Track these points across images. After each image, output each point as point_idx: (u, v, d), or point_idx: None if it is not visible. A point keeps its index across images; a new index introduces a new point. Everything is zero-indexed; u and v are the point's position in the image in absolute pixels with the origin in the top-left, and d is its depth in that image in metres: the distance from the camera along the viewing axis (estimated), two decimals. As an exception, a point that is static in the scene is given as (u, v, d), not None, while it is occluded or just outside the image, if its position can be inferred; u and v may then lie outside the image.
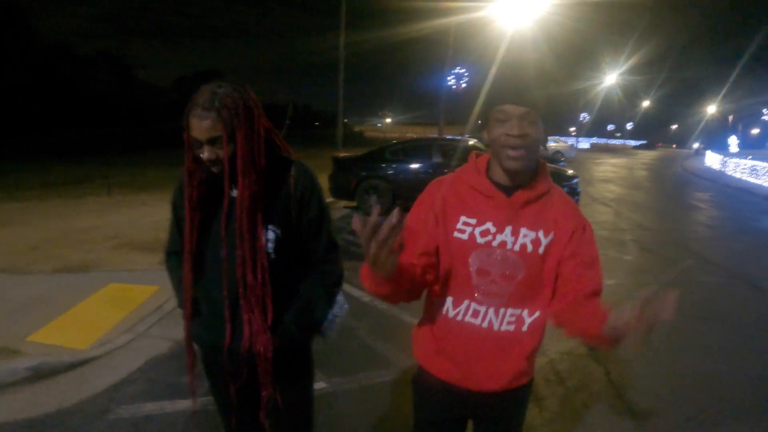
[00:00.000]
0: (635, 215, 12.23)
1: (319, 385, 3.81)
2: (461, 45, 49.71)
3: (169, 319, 4.89)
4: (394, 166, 11.38)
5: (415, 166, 11.41)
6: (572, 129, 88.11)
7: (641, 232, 10.03)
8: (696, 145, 73.52)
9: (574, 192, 10.37)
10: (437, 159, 11.38)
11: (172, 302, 5.13)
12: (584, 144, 72.24)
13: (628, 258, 7.79)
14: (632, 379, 4.07)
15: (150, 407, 3.48)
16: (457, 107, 66.40)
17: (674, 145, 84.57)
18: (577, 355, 4.45)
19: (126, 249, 7.10)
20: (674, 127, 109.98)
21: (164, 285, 5.68)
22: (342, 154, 12.24)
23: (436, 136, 19.85)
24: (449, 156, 11.51)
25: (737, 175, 26.56)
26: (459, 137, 15.25)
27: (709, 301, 6.00)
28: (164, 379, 3.86)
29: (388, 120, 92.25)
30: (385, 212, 1.13)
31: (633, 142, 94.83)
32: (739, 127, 69.78)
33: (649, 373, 4.19)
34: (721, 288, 6.57)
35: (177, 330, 4.54)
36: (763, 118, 45.91)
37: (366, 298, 5.68)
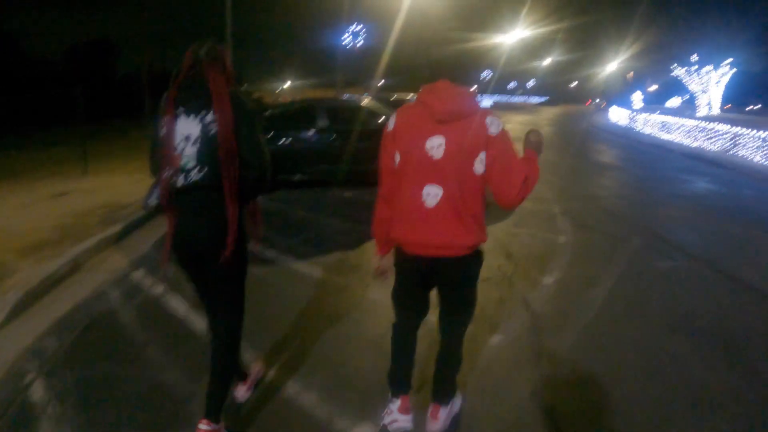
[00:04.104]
0: (555, 178, 11.13)
1: None
2: (357, 1, 47.88)
3: None
4: (271, 134, 9.48)
5: (296, 133, 9.64)
6: (474, 87, 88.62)
7: (568, 201, 8.84)
8: (596, 101, 75.96)
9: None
10: (323, 123, 9.66)
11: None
12: (487, 102, 72.69)
13: (563, 240, 6.47)
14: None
15: None
16: (356, 66, 64.56)
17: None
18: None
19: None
20: (574, 84, 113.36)
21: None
22: None
23: (321, 97, 17.58)
24: (337, 119, 9.80)
25: (647, 131, 26.69)
26: (351, 96, 13.50)
27: (676, 299, 4.76)
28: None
29: (288, 84, 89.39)
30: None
31: (536, 99, 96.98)
32: (648, 83, 72.26)
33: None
34: (684, 277, 5.37)
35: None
36: (673, 74, 46.67)
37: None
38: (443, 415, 2.80)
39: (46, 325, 4.26)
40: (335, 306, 4.54)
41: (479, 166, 2.32)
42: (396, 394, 2.85)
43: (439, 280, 2.57)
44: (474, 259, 2.50)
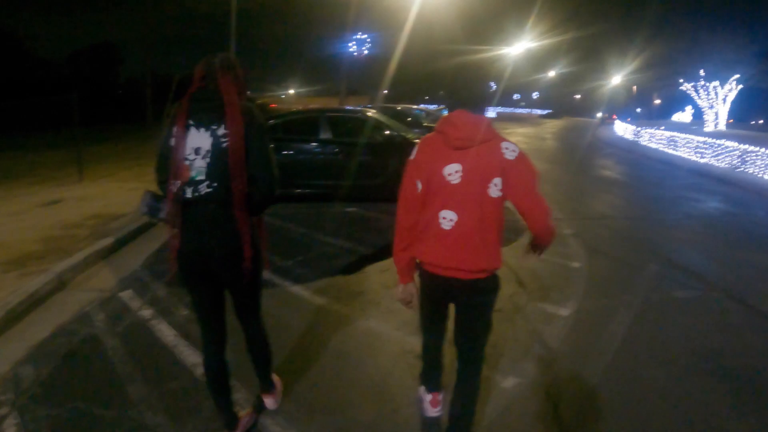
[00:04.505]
0: (563, 197, 10.82)
1: None
2: (364, 10, 47.60)
3: None
4: (272, 146, 8.96)
5: (298, 144, 9.23)
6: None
7: (579, 221, 8.49)
8: (600, 115, 75.50)
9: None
10: (326, 135, 9.25)
11: None
12: (491, 113, 72.46)
13: (577, 265, 6.12)
14: None
15: None
16: (361, 76, 64.42)
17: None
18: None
19: None
20: (578, 96, 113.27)
21: None
22: None
23: (324, 107, 16.93)
24: (342, 131, 9.40)
25: (653, 146, 26.38)
26: (357, 108, 13.08)
27: (699, 335, 4.43)
28: None
29: (292, 91, 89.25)
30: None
31: (539, 111, 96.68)
32: (654, 97, 72.00)
33: None
34: (705, 309, 5.03)
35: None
36: (681, 88, 46.07)
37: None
38: None
39: (25, 350, 3.98)
40: (334, 340, 4.19)
41: (494, 190, 2.37)
42: (428, 390, 3.12)
43: (453, 300, 2.66)
44: (487, 284, 2.54)
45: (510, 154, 2.36)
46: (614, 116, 66.00)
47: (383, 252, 6.36)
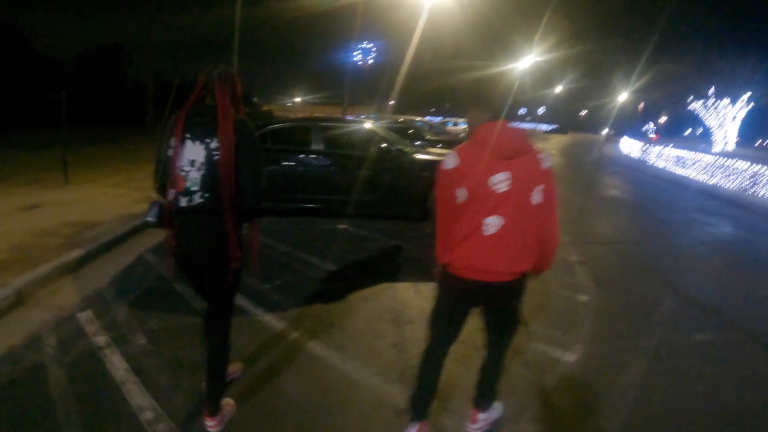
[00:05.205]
0: (569, 219, 10.23)
1: None
2: (371, 20, 47.43)
3: None
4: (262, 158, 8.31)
5: (289, 155, 8.62)
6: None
7: (586, 246, 7.91)
8: (605, 131, 74.94)
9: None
10: (317, 146, 8.64)
11: None
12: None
13: (585, 299, 5.55)
14: None
15: None
16: (366, 85, 64.07)
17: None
18: None
19: None
20: (584, 113, 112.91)
21: None
22: None
23: (318, 116, 16.01)
24: (337, 143, 8.79)
25: (661, 165, 25.85)
26: (354, 118, 12.51)
27: (721, 387, 3.88)
28: None
29: (298, 99, 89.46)
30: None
31: (545, 126, 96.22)
32: (663, 115, 71.29)
33: None
34: (726, 355, 4.47)
35: None
36: (690, 108, 45.02)
37: None
38: (482, 418, 3.09)
39: (-38, 379, 3.50)
40: (300, 388, 3.58)
41: (536, 196, 2.51)
42: (415, 419, 2.93)
43: (484, 303, 2.77)
44: (519, 284, 2.66)
45: (548, 163, 2.54)
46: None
47: (371, 278, 5.80)
